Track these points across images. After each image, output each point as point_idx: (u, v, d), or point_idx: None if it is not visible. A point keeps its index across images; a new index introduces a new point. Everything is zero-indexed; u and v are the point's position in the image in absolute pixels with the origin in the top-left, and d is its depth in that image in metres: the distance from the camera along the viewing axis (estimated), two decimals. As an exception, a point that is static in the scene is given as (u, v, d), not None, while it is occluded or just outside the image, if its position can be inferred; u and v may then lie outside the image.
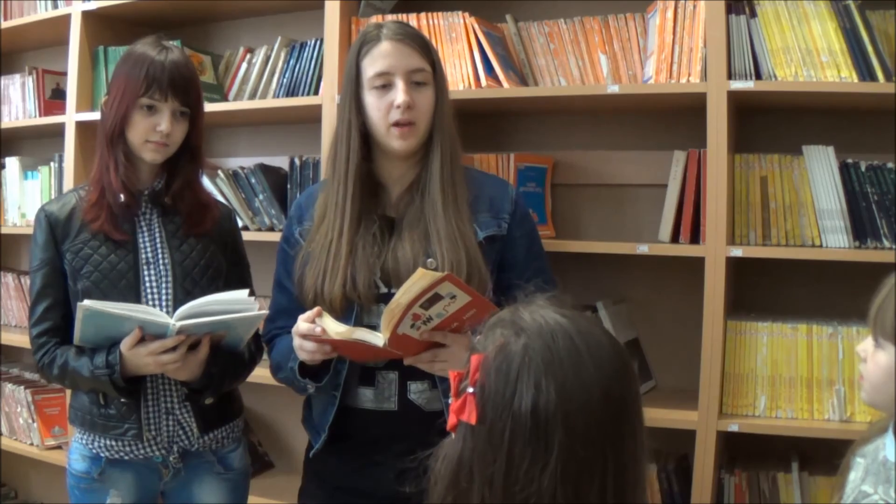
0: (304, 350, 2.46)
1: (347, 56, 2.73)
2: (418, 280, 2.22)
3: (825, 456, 3.05)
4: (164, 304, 2.76)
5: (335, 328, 2.41)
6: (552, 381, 1.41)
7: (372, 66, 2.62)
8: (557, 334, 1.46)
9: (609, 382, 1.45)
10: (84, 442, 2.85)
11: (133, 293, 2.74)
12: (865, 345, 2.05)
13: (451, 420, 1.51)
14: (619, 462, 1.44)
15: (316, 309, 2.45)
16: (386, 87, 2.61)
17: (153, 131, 2.71)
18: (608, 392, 1.44)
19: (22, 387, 4.67)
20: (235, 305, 2.64)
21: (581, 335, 1.47)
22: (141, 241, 2.80)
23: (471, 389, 1.46)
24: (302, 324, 2.45)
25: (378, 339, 2.33)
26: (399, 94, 2.58)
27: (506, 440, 1.41)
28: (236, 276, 2.93)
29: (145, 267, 2.78)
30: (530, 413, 1.40)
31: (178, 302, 2.67)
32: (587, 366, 1.44)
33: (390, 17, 3.56)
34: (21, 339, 4.42)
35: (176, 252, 2.81)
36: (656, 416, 3.14)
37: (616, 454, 1.44)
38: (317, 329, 2.41)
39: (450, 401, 1.53)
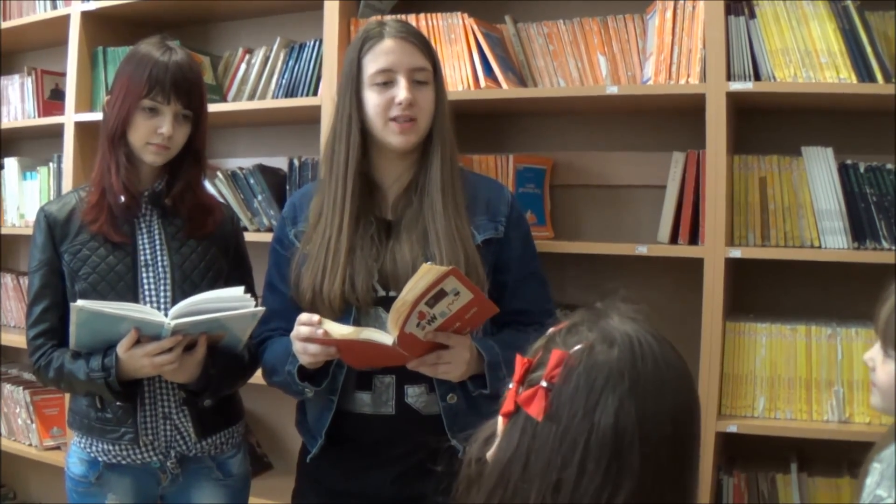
0: (308, 353, 2.44)
1: (347, 53, 2.71)
2: (424, 275, 2.22)
3: (824, 457, 3.08)
4: (162, 306, 2.74)
5: (339, 330, 2.40)
6: (634, 403, 1.38)
7: (374, 62, 2.61)
8: (647, 356, 1.44)
9: (682, 415, 1.45)
10: (82, 445, 2.84)
11: (131, 295, 2.72)
12: (873, 353, 2.06)
13: (508, 406, 1.49)
14: (681, 492, 1.44)
15: (316, 317, 2.43)
16: (387, 84, 2.59)
17: (154, 133, 2.69)
18: (681, 424, 1.44)
19: (21, 387, 4.67)
20: (231, 303, 2.62)
21: (666, 362, 1.45)
22: (140, 243, 2.78)
23: (544, 383, 1.44)
24: (302, 328, 2.43)
25: (387, 338, 2.32)
26: (401, 91, 2.57)
27: (580, 449, 1.38)
28: (238, 278, 2.89)
29: (144, 269, 2.76)
30: (612, 428, 1.37)
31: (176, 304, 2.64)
32: (666, 395, 1.42)
33: (389, 18, 3.56)
34: (20, 340, 4.42)
35: (175, 254, 2.80)
36: (655, 417, 3.13)
37: (680, 486, 1.44)
38: (318, 332, 2.39)
39: (510, 386, 1.51)
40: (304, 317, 2.45)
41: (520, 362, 1.52)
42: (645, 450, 1.37)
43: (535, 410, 1.43)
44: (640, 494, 1.37)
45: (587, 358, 1.43)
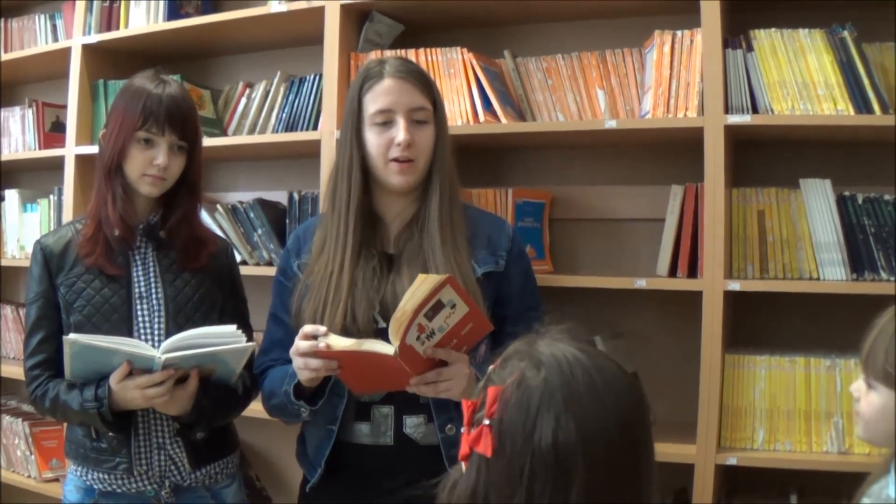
0: (310, 368, 2.44)
1: (349, 90, 2.74)
2: (421, 285, 2.25)
3: (824, 488, 3.07)
4: (155, 338, 2.76)
5: (342, 343, 2.40)
6: (571, 417, 1.41)
7: (374, 102, 2.63)
8: (576, 369, 1.46)
9: (626, 417, 1.46)
10: (78, 474, 2.85)
11: (125, 327, 2.74)
12: (858, 384, 2.09)
13: (464, 450, 1.51)
14: (636, 493, 1.46)
15: (322, 329, 2.44)
16: (387, 124, 2.62)
17: (150, 165, 2.71)
18: (625, 426, 1.46)
19: (20, 419, 4.66)
20: (222, 339, 2.63)
21: (598, 370, 1.48)
22: (135, 275, 2.79)
23: (487, 421, 1.47)
24: (302, 343, 2.43)
25: (388, 348, 2.32)
26: (399, 132, 2.59)
27: (525, 474, 1.41)
28: (233, 310, 2.93)
29: (138, 301, 2.78)
30: (551, 447, 1.40)
31: (170, 337, 2.64)
32: (605, 400, 1.45)
33: (389, 53, 3.58)
34: (20, 371, 4.40)
35: (169, 287, 2.81)
36: (655, 450, 3.13)
37: (633, 486, 1.45)
38: (320, 345, 2.40)
39: (462, 431, 1.53)
40: (308, 328, 2.46)
41: (465, 405, 1.55)
42: (590, 459, 1.40)
43: (483, 448, 1.46)
44: (592, 498, 1.40)
45: (518, 387, 1.47)
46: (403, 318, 2.27)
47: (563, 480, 1.40)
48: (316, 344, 2.41)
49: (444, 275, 2.28)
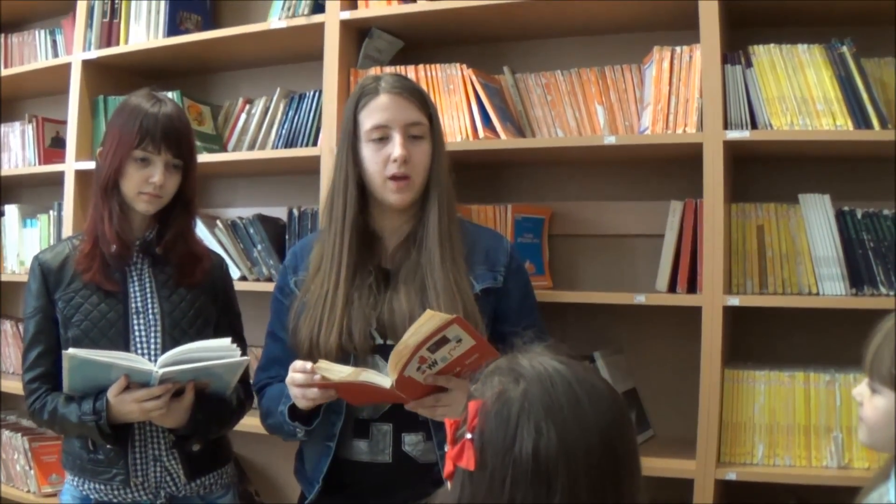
0: (307, 398, 2.45)
1: (345, 107, 2.74)
2: (427, 321, 2.22)
3: (824, 503, 3.06)
4: (152, 353, 2.79)
5: (338, 373, 2.40)
6: (552, 426, 1.41)
7: (369, 118, 2.63)
8: (556, 380, 1.46)
9: (608, 427, 1.46)
10: (75, 484, 2.87)
11: (122, 342, 2.77)
12: (861, 389, 2.09)
13: (448, 467, 1.51)
14: (621, 495, 1.45)
15: (309, 365, 2.43)
16: (383, 140, 2.62)
17: (146, 183, 2.74)
18: (607, 437, 1.45)
19: (19, 434, 4.65)
20: (217, 353, 2.66)
21: (579, 382, 1.48)
22: (131, 290, 2.82)
23: (469, 436, 1.47)
24: (297, 375, 2.44)
25: (385, 380, 2.32)
26: (396, 148, 2.59)
27: (507, 486, 1.41)
28: (226, 324, 2.97)
29: (135, 316, 2.81)
30: (531, 456, 1.40)
31: (166, 351, 2.68)
32: (586, 411, 1.45)
33: (388, 69, 3.58)
34: (19, 387, 4.37)
35: (165, 302, 2.84)
36: (654, 465, 3.13)
37: (616, 498, 1.45)
38: (315, 378, 2.40)
39: (446, 450, 1.53)
40: (297, 364, 2.46)
41: (448, 424, 1.55)
42: (571, 466, 1.40)
43: (466, 462, 1.47)
44: None
45: (498, 399, 1.47)
46: (405, 353, 2.26)
47: (544, 490, 1.40)
48: (311, 377, 2.41)
49: (451, 315, 2.25)
